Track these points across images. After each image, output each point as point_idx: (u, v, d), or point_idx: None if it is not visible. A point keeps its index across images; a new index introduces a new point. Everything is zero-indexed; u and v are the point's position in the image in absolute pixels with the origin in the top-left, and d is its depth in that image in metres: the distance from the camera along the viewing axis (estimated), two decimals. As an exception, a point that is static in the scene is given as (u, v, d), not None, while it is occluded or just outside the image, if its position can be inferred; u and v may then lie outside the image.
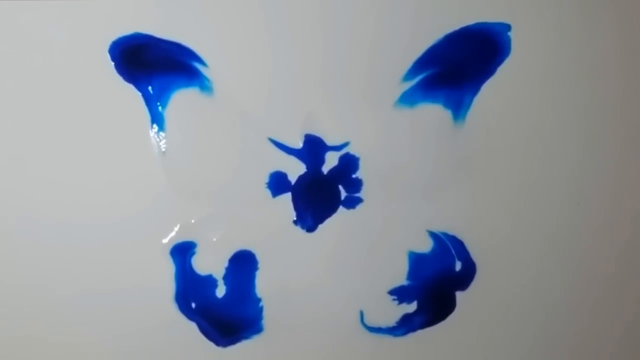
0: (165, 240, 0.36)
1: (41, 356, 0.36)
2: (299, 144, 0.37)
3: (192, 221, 0.37)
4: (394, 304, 0.39)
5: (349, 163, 0.38)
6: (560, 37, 0.39)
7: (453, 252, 0.39)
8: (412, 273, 0.39)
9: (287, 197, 0.37)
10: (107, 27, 0.35)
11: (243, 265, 0.37)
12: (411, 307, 0.39)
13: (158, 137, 0.36)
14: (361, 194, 0.38)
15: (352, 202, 0.38)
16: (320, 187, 0.38)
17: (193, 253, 0.37)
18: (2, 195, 0.35)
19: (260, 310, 0.38)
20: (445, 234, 0.39)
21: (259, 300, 0.38)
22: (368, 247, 0.39)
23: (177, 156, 0.36)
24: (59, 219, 0.35)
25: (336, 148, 0.37)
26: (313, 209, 0.38)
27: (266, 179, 0.37)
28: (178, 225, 0.36)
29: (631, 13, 0.40)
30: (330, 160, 0.38)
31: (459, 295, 0.40)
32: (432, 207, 0.39)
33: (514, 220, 0.39)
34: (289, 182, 0.37)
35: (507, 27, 0.38)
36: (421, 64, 0.37)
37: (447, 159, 0.38)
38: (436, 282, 0.39)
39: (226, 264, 0.37)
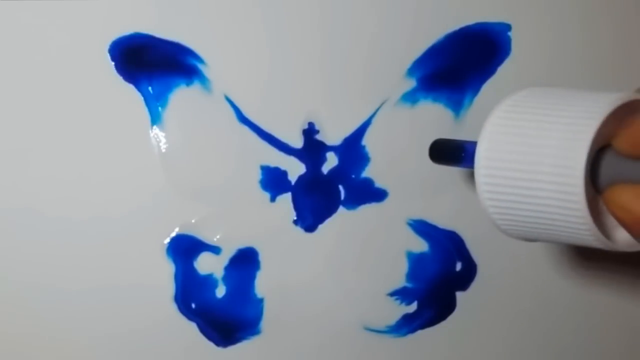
0: (165, 241, 0.36)
1: (39, 353, 0.36)
2: (299, 143, 0.37)
3: (192, 221, 0.37)
4: (394, 304, 0.39)
5: (349, 163, 0.38)
6: (560, 37, 0.39)
7: (453, 252, 0.39)
8: (412, 273, 0.39)
9: (287, 197, 0.37)
10: (107, 27, 0.35)
11: (243, 265, 0.37)
12: (411, 308, 0.39)
13: (158, 137, 0.36)
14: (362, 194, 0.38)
15: (353, 202, 0.38)
16: (320, 187, 0.38)
17: (198, 252, 0.37)
18: (4, 195, 0.35)
19: (260, 311, 0.38)
20: (446, 234, 0.39)
21: (259, 300, 0.38)
22: (368, 247, 0.39)
23: (177, 156, 0.36)
24: (59, 219, 0.35)
25: (336, 148, 0.37)
26: (313, 209, 0.38)
27: (261, 175, 0.37)
28: (178, 226, 0.36)
29: (629, 13, 0.40)
30: (331, 160, 0.38)
31: (459, 295, 0.40)
32: (433, 206, 0.39)
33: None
34: (289, 182, 0.37)
35: (507, 27, 0.38)
36: (421, 63, 0.37)
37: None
38: (436, 283, 0.39)
39: (226, 263, 0.37)
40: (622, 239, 0.27)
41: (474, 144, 0.28)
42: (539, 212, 0.27)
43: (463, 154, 0.33)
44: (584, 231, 0.26)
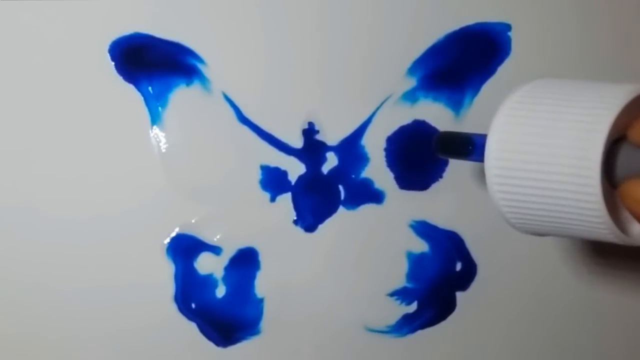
0: (165, 241, 0.36)
1: (39, 353, 0.36)
2: (299, 143, 0.37)
3: (192, 221, 0.37)
4: (394, 304, 0.39)
5: (349, 163, 0.38)
6: (560, 37, 0.39)
7: (453, 252, 0.39)
8: (412, 273, 0.39)
9: (287, 197, 0.37)
10: (107, 27, 0.35)
11: (243, 265, 0.37)
12: (411, 308, 0.39)
13: (158, 137, 0.36)
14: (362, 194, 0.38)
15: (353, 202, 0.38)
16: (320, 187, 0.38)
17: (198, 252, 0.37)
18: (4, 195, 0.35)
19: (260, 311, 0.38)
20: (446, 234, 0.39)
21: (259, 300, 0.38)
22: (368, 247, 0.39)
23: (177, 156, 0.36)
24: (59, 219, 0.35)
25: (336, 148, 0.37)
26: (313, 209, 0.38)
27: (261, 175, 0.37)
28: (178, 225, 0.36)
29: (629, 13, 0.40)
30: (331, 160, 0.38)
31: (459, 295, 0.40)
32: (433, 206, 0.39)
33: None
34: (289, 182, 0.37)
35: (507, 27, 0.38)
36: (422, 63, 0.37)
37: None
38: (436, 283, 0.39)
39: (226, 263, 0.37)
40: (637, 233, 0.27)
41: (482, 137, 0.27)
42: (553, 205, 0.26)
43: (471, 147, 0.32)
44: (599, 225, 0.25)
